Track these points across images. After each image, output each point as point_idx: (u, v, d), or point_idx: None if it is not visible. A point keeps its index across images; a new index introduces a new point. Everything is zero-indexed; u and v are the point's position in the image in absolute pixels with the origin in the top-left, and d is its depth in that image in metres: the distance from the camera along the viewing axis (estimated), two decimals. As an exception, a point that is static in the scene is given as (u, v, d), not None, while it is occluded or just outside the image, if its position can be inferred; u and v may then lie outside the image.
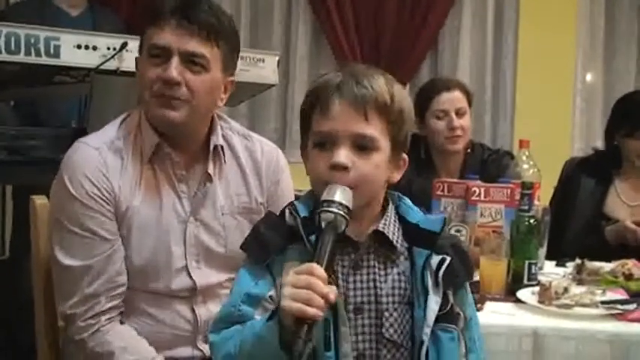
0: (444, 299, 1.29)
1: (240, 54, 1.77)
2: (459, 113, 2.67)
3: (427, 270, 1.30)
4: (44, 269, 1.72)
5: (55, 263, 1.64)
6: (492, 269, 2.04)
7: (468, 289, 1.39)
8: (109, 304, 1.62)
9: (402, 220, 1.35)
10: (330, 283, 1.16)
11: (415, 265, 1.32)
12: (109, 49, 2.19)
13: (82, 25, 2.85)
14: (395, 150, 1.31)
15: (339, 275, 1.29)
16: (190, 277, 1.69)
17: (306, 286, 1.13)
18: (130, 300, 1.66)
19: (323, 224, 1.21)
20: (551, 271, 2.28)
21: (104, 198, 1.61)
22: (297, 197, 1.44)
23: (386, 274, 1.31)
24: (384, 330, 1.30)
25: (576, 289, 1.98)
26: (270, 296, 1.27)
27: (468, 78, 4.04)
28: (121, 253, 1.64)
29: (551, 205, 2.51)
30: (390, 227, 1.32)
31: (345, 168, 1.25)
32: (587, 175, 2.72)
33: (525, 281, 2.03)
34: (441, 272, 1.28)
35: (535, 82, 4.04)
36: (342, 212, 1.20)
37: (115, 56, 2.18)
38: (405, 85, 3.95)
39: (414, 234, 1.33)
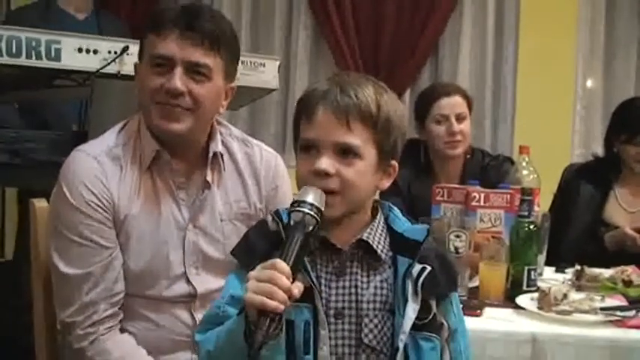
0: (426, 308, 1.31)
1: (241, 58, 1.76)
2: (459, 118, 2.67)
3: (408, 278, 1.31)
4: (44, 272, 1.71)
5: (54, 271, 1.64)
6: (491, 275, 2.05)
7: (456, 300, 1.40)
8: (108, 312, 1.62)
9: (390, 229, 1.37)
10: (296, 280, 1.19)
11: (398, 273, 1.33)
12: (109, 52, 2.19)
13: (88, 29, 2.86)
14: (382, 158, 1.33)
15: (322, 281, 1.32)
16: (190, 283, 1.68)
17: (269, 279, 1.16)
18: (129, 305, 1.66)
19: (292, 223, 1.24)
20: (550, 277, 2.28)
21: (103, 206, 1.61)
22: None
23: (368, 281, 1.33)
24: (363, 335, 1.32)
25: (575, 296, 1.98)
26: None
27: (468, 83, 4.03)
28: (119, 260, 1.63)
29: (550, 212, 2.51)
30: (376, 237, 1.34)
31: (326, 174, 1.27)
32: (586, 182, 2.73)
33: (524, 287, 2.04)
34: (420, 281, 1.30)
35: (535, 87, 4.03)
36: (311, 212, 1.23)
37: (116, 60, 2.19)
38: (405, 90, 3.91)
39: (399, 243, 1.36)
